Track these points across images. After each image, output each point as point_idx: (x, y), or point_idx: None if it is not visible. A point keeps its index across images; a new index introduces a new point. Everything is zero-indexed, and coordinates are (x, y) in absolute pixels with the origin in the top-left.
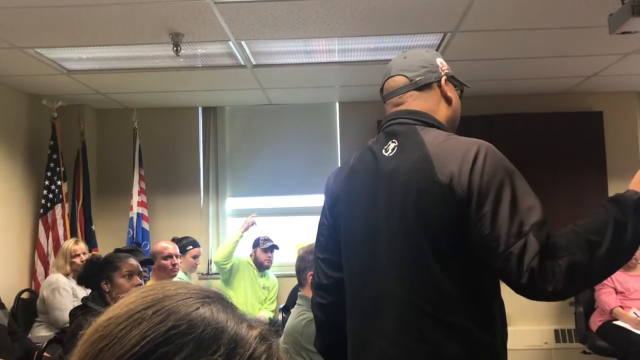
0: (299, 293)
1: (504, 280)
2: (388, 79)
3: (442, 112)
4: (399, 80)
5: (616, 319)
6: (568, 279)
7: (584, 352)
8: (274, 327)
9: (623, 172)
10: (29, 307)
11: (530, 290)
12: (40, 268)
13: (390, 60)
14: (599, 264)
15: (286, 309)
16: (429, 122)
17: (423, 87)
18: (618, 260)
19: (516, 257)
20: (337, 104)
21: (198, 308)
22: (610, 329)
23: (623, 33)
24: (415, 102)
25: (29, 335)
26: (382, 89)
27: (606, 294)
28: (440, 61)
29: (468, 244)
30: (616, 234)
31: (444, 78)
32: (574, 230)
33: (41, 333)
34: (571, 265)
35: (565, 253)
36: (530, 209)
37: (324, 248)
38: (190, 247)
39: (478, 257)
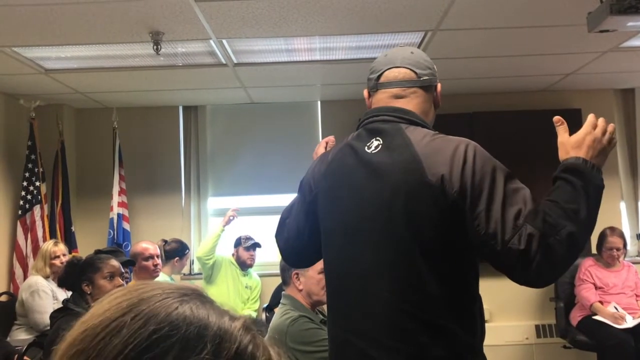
0: (283, 292)
1: (509, 274)
2: (392, 68)
3: (431, 115)
4: (406, 73)
5: (595, 314)
6: (568, 252)
7: (564, 346)
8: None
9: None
10: (7, 310)
11: (536, 279)
12: (18, 270)
13: (373, 58)
14: (583, 227)
15: (269, 309)
16: (414, 120)
17: (427, 87)
18: (594, 219)
19: (517, 251)
20: (319, 102)
21: (177, 307)
22: (589, 324)
23: (601, 31)
24: (416, 100)
25: (8, 339)
26: (379, 76)
27: (586, 290)
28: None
29: (458, 245)
30: (585, 196)
31: (439, 84)
32: (556, 204)
33: (20, 336)
34: (568, 237)
35: (560, 228)
36: (522, 199)
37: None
38: (187, 250)
39: (479, 256)
